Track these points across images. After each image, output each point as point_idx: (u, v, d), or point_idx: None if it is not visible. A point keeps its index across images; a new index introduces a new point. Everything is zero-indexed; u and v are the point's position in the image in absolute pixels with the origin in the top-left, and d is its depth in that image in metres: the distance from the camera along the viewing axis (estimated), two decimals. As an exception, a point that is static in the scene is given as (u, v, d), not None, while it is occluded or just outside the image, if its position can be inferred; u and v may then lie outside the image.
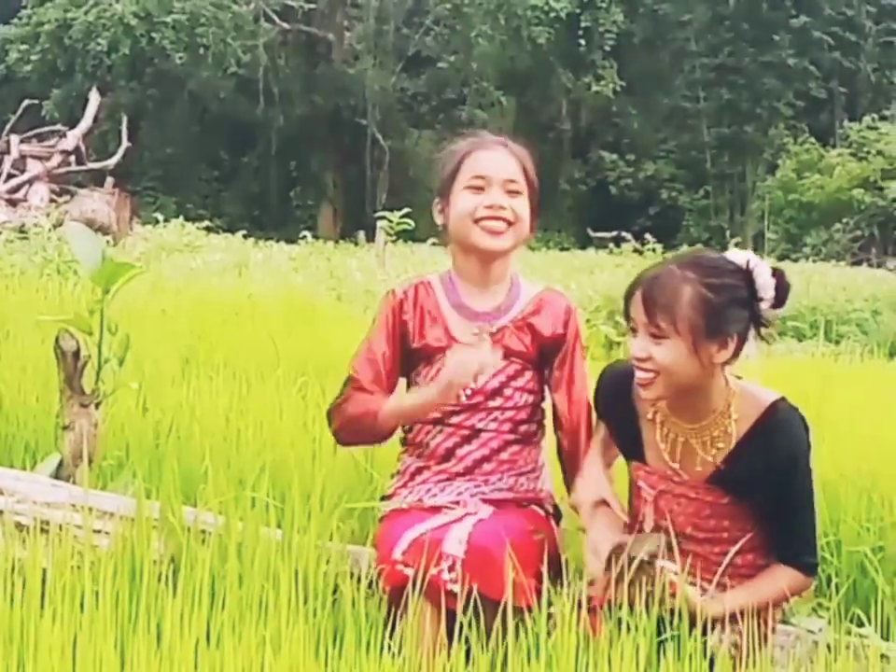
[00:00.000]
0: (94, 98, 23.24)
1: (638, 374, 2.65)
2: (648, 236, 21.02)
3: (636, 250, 20.25)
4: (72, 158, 20.60)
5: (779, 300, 2.63)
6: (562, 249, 28.30)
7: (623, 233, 25.29)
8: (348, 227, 33.06)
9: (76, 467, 3.25)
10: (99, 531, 2.81)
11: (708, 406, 2.68)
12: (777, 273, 2.64)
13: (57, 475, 3.25)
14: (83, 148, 21.21)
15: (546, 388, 3.06)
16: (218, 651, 2.35)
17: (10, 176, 18.86)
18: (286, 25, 38.66)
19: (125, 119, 24.56)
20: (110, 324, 3.29)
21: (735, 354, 2.63)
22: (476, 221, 2.93)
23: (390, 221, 11.38)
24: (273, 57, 38.41)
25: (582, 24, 37.23)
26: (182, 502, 2.94)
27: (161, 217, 18.53)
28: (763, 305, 2.62)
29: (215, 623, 2.44)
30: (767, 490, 2.65)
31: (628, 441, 2.82)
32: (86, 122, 21.98)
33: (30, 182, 18.72)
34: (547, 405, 3.07)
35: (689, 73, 39.69)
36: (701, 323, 2.57)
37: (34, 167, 19.24)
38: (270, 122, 38.38)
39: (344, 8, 39.95)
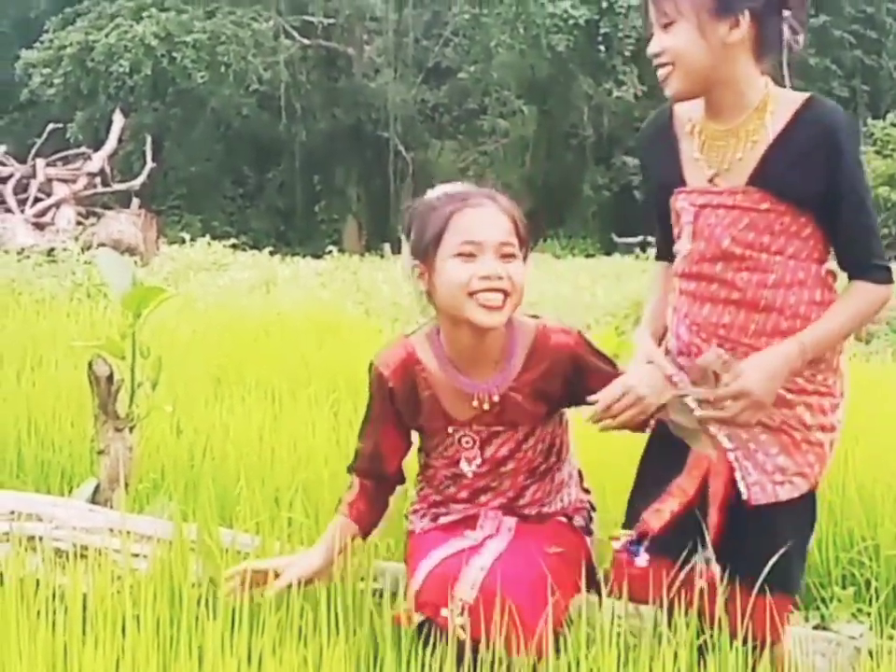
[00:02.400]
0: (118, 119, 23.36)
1: (658, 74, 2.59)
2: (674, 240, 20.97)
3: (662, 255, 20.18)
4: (97, 180, 20.68)
5: None
6: (587, 256, 28.20)
7: (649, 238, 25.24)
8: (373, 240, 33.08)
9: (112, 491, 3.27)
10: (137, 555, 2.82)
11: (742, 101, 2.58)
12: None
13: (94, 500, 3.28)
14: (108, 170, 21.31)
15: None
16: (260, 672, 2.36)
17: (37, 200, 18.96)
18: (305, 41, 38.77)
19: (149, 140, 24.63)
20: (142, 347, 3.32)
21: (760, 39, 2.54)
22: (470, 294, 2.61)
23: (415, 234, 11.38)
24: (293, 73, 38.52)
25: (602, 30, 37.14)
26: (218, 523, 2.96)
27: (187, 237, 18.58)
28: None
29: (256, 645, 2.45)
30: (810, 184, 2.55)
31: (670, 171, 2.70)
32: (110, 144, 22.08)
33: (57, 205, 18.80)
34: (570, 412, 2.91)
35: (710, 75, 39.58)
36: (706, 1, 2.50)
37: (60, 190, 19.33)
38: (292, 138, 38.48)
39: (364, 22, 40.05)
